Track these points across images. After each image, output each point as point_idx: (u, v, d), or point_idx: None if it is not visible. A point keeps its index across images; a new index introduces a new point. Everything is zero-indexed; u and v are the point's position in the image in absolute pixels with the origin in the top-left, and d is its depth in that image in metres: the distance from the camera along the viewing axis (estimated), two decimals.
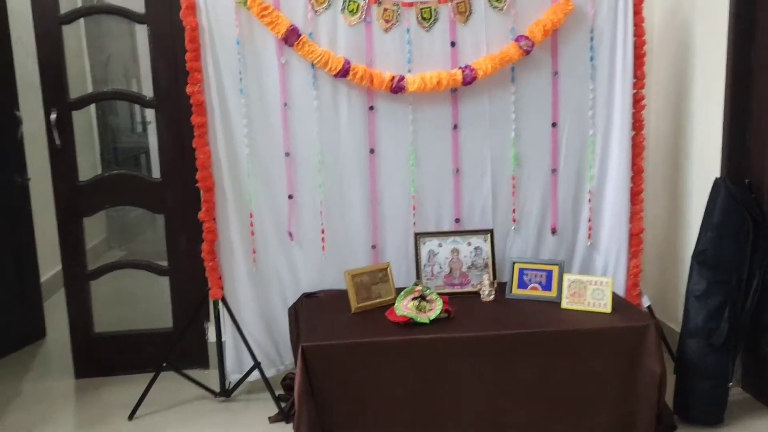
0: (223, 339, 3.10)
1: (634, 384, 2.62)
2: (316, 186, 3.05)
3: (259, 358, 3.04)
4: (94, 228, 4.65)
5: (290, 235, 3.08)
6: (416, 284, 2.78)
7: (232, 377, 3.12)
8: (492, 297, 2.92)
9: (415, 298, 2.72)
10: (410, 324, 2.65)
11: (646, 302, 3.19)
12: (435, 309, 2.70)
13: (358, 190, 3.08)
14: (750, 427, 2.76)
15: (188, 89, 2.88)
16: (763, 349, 2.92)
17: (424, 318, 2.66)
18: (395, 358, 2.55)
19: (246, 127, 2.97)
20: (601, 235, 3.21)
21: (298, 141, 3.02)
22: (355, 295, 2.84)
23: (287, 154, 3.02)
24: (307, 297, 3.08)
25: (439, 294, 2.81)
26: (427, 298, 2.74)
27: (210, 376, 3.20)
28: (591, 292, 2.78)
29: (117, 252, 5.09)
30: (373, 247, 3.14)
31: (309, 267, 3.12)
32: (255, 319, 3.11)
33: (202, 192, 2.95)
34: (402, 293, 2.76)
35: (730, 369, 2.77)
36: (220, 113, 2.93)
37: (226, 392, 3.11)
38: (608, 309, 2.73)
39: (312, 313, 2.87)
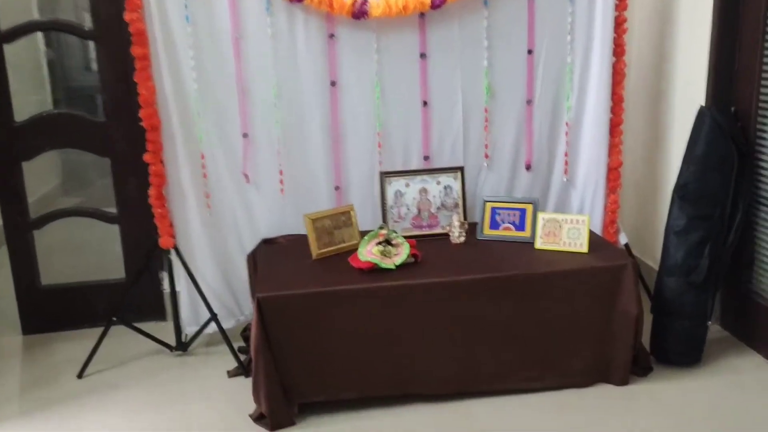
0: (177, 290, 2.91)
1: (610, 325, 2.50)
2: (273, 123, 2.82)
3: (217, 309, 2.87)
4: (47, 173, 4.37)
5: (246, 177, 2.87)
6: (381, 228, 2.60)
7: (189, 330, 2.95)
8: (462, 239, 2.75)
9: (379, 243, 2.54)
10: (375, 270, 2.48)
11: (623, 239, 3.05)
12: (401, 254, 2.53)
13: (319, 126, 2.86)
14: (729, 366, 2.67)
15: (126, 16, 2.59)
16: (744, 286, 2.81)
17: (389, 263, 2.49)
18: (359, 306, 2.39)
19: (193, 59, 2.70)
20: (578, 170, 3.03)
21: (252, 73, 2.77)
22: (315, 240, 2.66)
23: (240, 88, 2.77)
24: (266, 243, 2.90)
25: (407, 237, 2.65)
26: (393, 242, 2.56)
27: (167, 329, 3.01)
28: (566, 231, 2.62)
29: (72, 198, 4.82)
30: (336, 188, 2.94)
31: (267, 211, 2.92)
32: (211, 268, 2.92)
33: (146, 132, 2.70)
34: (366, 237, 2.58)
35: (709, 307, 2.66)
36: (163, 44, 2.65)
37: (182, 346, 2.95)
38: (584, 249, 2.58)
39: (270, 260, 2.69)
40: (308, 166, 2.90)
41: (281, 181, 2.88)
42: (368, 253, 2.52)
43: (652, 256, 3.25)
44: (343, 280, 2.44)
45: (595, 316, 2.49)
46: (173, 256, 2.83)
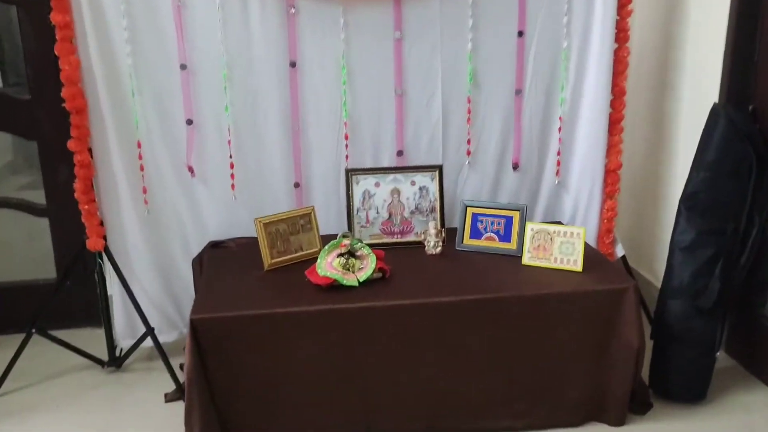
0: (110, 294, 2.53)
1: (606, 357, 2.16)
2: (222, 108, 2.43)
3: (156, 321, 2.52)
4: None
5: (190, 170, 2.47)
6: (345, 236, 2.22)
7: (124, 343, 2.58)
8: (439, 249, 2.39)
9: (341, 255, 2.17)
10: (335, 287, 2.11)
11: (620, 251, 2.72)
12: (366, 268, 2.16)
13: (276, 113, 2.47)
14: (737, 403, 2.34)
15: None
16: (755, 310, 2.48)
17: (351, 280, 2.12)
18: (314, 331, 2.02)
19: (127, 29, 2.30)
20: (571, 171, 2.68)
21: (197, 49, 2.38)
22: (268, 248, 2.28)
23: (183, 67, 2.37)
24: (213, 247, 2.52)
25: (375, 245, 2.30)
26: (357, 253, 2.19)
27: (104, 338, 2.63)
28: (558, 245, 2.26)
29: (23, 178, 4.36)
30: (296, 185, 2.56)
31: (216, 209, 2.55)
32: (150, 274, 2.55)
33: (71, 115, 2.29)
34: (326, 247, 2.21)
35: (718, 335, 2.33)
36: (90, 10, 2.26)
37: (116, 361, 2.58)
38: (578, 267, 2.23)
39: (214, 270, 2.31)
40: (264, 159, 2.52)
41: (232, 176, 2.50)
42: (328, 266, 2.15)
43: (650, 269, 2.92)
44: (297, 299, 2.06)
45: (589, 345, 2.15)
46: (106, 260, 2.44)
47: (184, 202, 2.51)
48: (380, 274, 2.18)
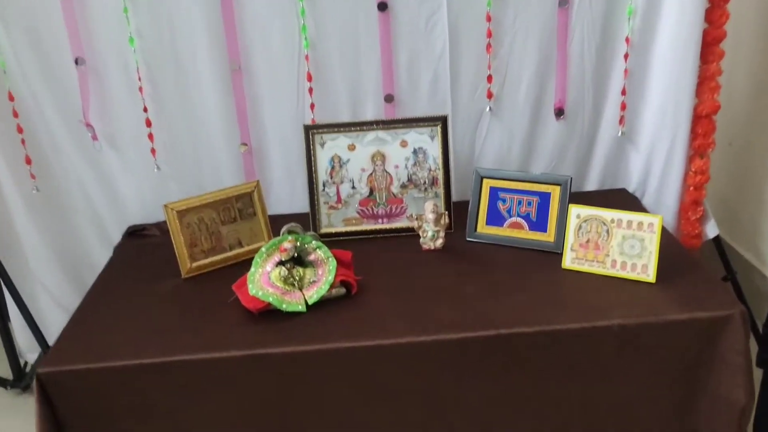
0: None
1: (694, 417, 1.41)
2: (125, 39, 1.68)
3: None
4: None
5: (90, 129, 1.76)
6: (291, 231, 1.48)
7: (30, 357, 1.98)
8: (440, 242, 1.63)
9: (282, 263, 1.44)
10: (273, 311, 1.40)
11: (711, 231, 1.90)
12: (320, 282, 1.43)
13: (206, 44, 1.73)
14: None
15: None
16: None
17: (295, 302, 1.40)
18: (232, 386, 1.32)
19: None
20: (643, 117, 1.86)
21: None
22: (186, 247, 1.57)
23: None
24: (131, 234, 1.83)
25: (349, 237, 1.62)
26: (310, 257, 1.46)
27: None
28: (620, 240, 1.47)
29: None
30: (243, 145, 1.82)
31: (135, 183, 1.88)
32: (54, 270, 1.94)
33: None
34: (264, 248, 1.48)
35: None
36: None
37: (22, 380, 1.97)
38: (650, 277, 1.44)
39: (113, 275, 1.63)
40: (194, 112, 1.81)
41: (150, 136, 1.78)
42: (264, 279, 1.43)
43: (754, 248, 2.09)
44: (211, 334, 1.36)
45: (665, 402, 1.39)
46: None
47: (89, 174, 1.84)
48: (342, 290, 1.44)
